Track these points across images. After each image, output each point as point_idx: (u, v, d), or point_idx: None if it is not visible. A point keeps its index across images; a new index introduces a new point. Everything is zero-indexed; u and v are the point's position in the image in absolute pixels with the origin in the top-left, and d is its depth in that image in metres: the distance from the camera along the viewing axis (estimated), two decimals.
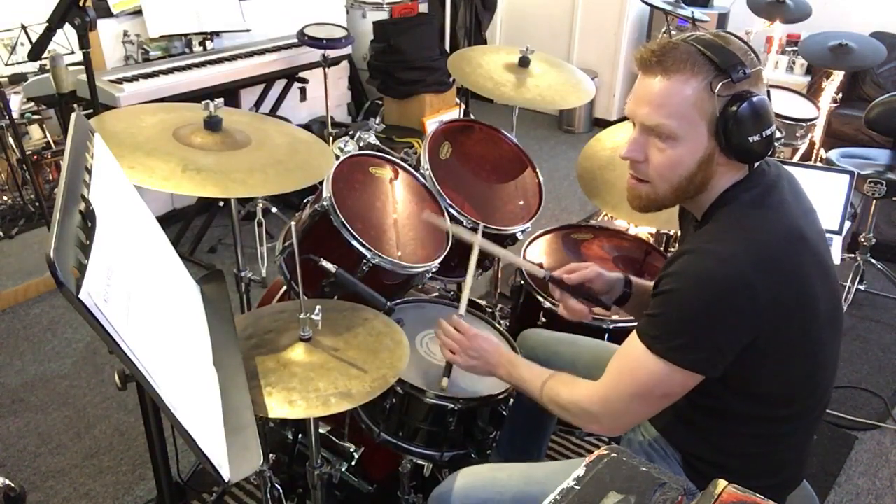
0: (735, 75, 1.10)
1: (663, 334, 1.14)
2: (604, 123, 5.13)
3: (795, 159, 3.44)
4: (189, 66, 3.24)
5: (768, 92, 1.18)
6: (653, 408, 1.23)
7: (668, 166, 1.17)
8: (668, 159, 1.16)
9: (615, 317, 1.81)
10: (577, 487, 0.71)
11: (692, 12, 3.46)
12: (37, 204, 3.16)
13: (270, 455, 1.87)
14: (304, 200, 1.84)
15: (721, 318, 1.11)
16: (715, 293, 1.10)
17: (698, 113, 1.12)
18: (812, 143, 3.58)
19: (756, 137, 1.11)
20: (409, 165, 1.97)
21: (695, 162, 1.16)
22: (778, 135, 3.18)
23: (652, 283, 1.56)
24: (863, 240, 3.10)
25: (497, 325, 1.83)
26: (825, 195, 2.54)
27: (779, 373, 1.18)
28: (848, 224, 2.73)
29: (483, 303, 2.17)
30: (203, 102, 1.54)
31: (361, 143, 2.68)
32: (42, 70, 3.02)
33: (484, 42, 5.20)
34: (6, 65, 2.99)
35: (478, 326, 1.59)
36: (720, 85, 1.11)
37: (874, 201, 2.98)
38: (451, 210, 1.91)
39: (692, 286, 1.11)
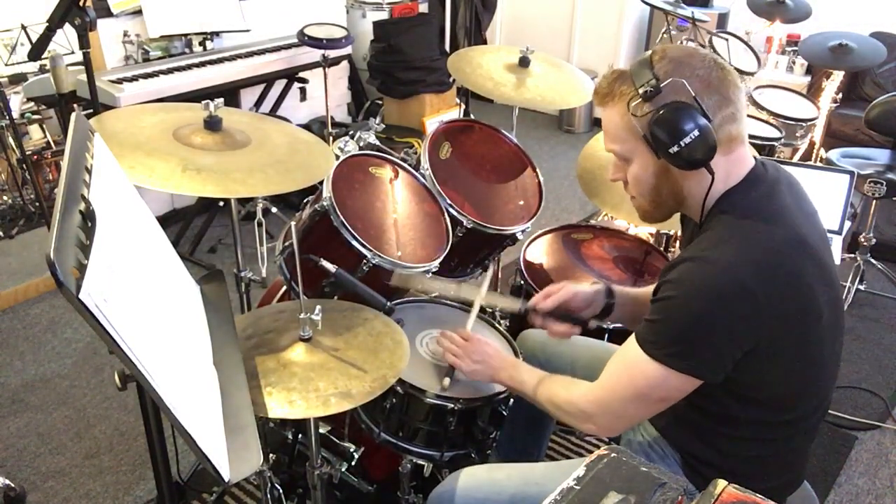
0: (645, 94, 1.15)
1: (662, 340, 1.14)
2: None
3: (795, 159, 3.45)
4: (189, 66, 3.24)
5: (728, 94, 1.17)
6: (649, 410, 1.23)
7: (635, 184, 1.26)
8: (631, 178, 1.26)
9: None
10: (577, 487, 0.71)
11: (692, 12, 3.46)
12: (37, 204, 3.16)
13: (270, 455, 1.87)
14: (304, 200, 1.84)
15: (721, 326, 1.11)
16: (715, 301, 1.10)
17: (631, 134, 1.20)
18: (812, 143, 3.58)
19: (675, 148, 1.13)
20: (409, 165, 1.97)
21: (651, 176, 1.23)
22: (778, 134, 3.19)
23: (640, 290, 1.59)
24: (863, 240, 3.10)
25: (497, 326, 1.84)
26: (825, 195, 2.54)
27: (780, 377, 1.18)
28: (848, 224, 2.73)
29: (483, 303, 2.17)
30: (203, 102, 1.54)
31: (361, 143, 2.68)
32: (42, 70, 3.02)
33: (484, 42, 5.20)
34: (6, 65, 2.99)
35: (479, 327, 1.59)
36: (633, 105, 1.17)
37: (874, 201, 2.98)
38: (451, 210, 1.91)
39: (692, 294, 1.12)
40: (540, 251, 2.14)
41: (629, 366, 1.19)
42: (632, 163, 1.23)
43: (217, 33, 3.50)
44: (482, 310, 2.02)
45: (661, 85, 1.14)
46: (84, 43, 2.12)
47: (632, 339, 1.20)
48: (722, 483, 0.68)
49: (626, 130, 1.20)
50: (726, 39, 3.57)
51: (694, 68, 1.15)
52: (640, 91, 1.15)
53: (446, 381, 1.55)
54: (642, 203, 1.29)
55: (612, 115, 1.22)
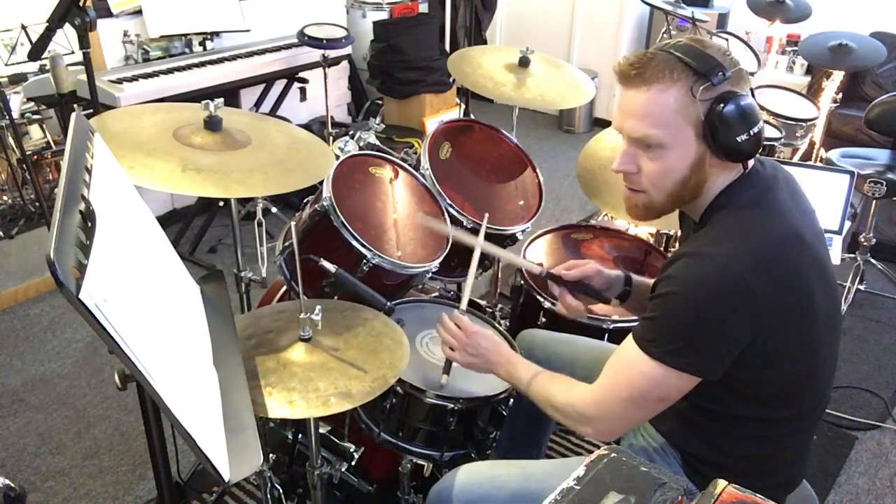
0: (715, 78, 1.12)
1: (660, 338, 1.14)
2: (604, 123, 5.12)
3: (795, 159, 3.45)
4: (189, 66, 3.24)
5: (752, 90, 1.19)
6: (648, 412, 1.22)
7: (661, 174, 1.19)
8: (659, 168, 1.18)
9: (615, 317, 1.81)
10: (577, 487, 0.71)
11: (692, 12, 3.46)
12: (37, 204, 3.16)
13: (270, 455, 1.87)
14: (304, 200, 1.84)
15: (718, 322, 1.11)
16: (713, 297, 1.10)
17: (683, 119, 1.14)
18: (812, 143, 3.58)
19: (744, 136, 1.12)
20: (409, 165, 1.97)
21: (686, 167, 1.17)
22: (778, 134, 3.19)
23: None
24: (863, 240, 3.10)
25: (497, 325, 1.83)
26: (825, 195, 2.54)
27: (778, 375, 1.18)
28: (848, 224, 2.73)
29: (483, 303, 2.17)
30: (203, 102, 1.54)
31: (361, 143, 2.68)
32: (42, 70, 3.02)
33: (484, 42, 5.20)
34: (6, 65, 2.99)
35: (478, 326, 1.59)
36: (701, 89, 1.13)
37: (874, 201, 2.98)
38: (451, 210, 1.91)
39: (690, 290, 1.11)
40: (540, 251, 2.14)
41: (628, 366, 1.19)
42: (666, 150, 1.16)
43: (217, 33, 3.50)
44: (482, 309, 2.02)
45: (729, 73, 1.13)
46: (84, 43, 2.12)
47: (630, 338, 1.19)
48: (722, 483, 0.68)
49: (678, 114, 1.14)
50: (726, 39, 3.57)
51: (732, 59, 1.16)
52: (713, 77, 1.12)
53: (444, 377, 1.55)
54: (657, 196, 1.21)
55: (658, 96, 1.14)
